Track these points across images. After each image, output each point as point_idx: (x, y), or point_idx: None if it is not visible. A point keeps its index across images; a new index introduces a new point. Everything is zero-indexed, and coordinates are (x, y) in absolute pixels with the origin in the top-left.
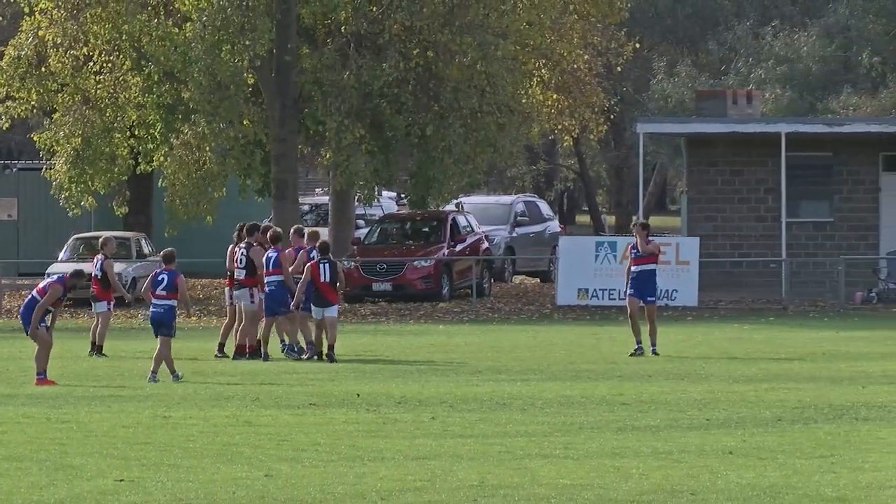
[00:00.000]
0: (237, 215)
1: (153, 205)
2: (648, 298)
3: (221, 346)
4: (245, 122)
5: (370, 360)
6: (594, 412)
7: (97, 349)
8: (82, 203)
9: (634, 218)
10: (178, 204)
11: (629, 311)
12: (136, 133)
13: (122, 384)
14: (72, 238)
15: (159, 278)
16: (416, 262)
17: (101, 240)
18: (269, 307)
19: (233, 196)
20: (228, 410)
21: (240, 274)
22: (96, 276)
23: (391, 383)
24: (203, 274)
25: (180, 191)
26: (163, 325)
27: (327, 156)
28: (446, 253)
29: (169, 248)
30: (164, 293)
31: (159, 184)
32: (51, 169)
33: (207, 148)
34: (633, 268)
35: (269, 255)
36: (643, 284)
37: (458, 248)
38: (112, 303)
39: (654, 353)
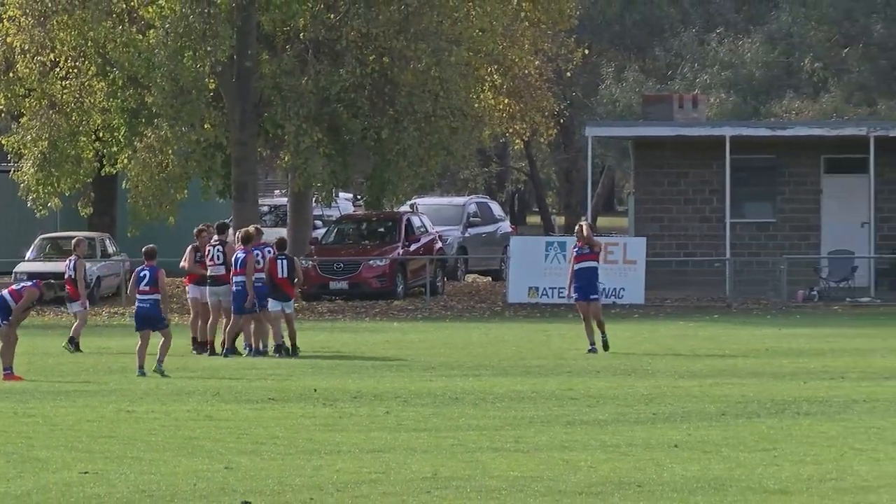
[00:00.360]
0: (199, 216)
1: (117, 206)
2: (591, 297)
3: (211, 343)
4: (206, 126)
5: (327, 357)
6: (544, 406)
7: (69, 340)
8: (49, 204)
9: (583, 218)
10: (142, 205)
11: (581, 314)
12: (101, 136)
13: (86, 379)
14: (38, 238)
15: (141, 275)
16: (371, 262)
17: (73, 241)
18: (237, 307)
19: (195, 197)
20: (190, 405)
21: (218, 270)
22: (70, 276)
23: (347, 379)
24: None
25: (143, 192)
26: (155, 320)
27: (286, 158)
28: (401, 252)
29: (150, 245)
30: (147, 288)
31: (123, 185)
32: (18, 171)
33: (170, 151)
34: (575, 266)
35: (238, 255)
36: (585, 283)
37: (413, 247)
38: (87, 302)
39: (605, 343)
